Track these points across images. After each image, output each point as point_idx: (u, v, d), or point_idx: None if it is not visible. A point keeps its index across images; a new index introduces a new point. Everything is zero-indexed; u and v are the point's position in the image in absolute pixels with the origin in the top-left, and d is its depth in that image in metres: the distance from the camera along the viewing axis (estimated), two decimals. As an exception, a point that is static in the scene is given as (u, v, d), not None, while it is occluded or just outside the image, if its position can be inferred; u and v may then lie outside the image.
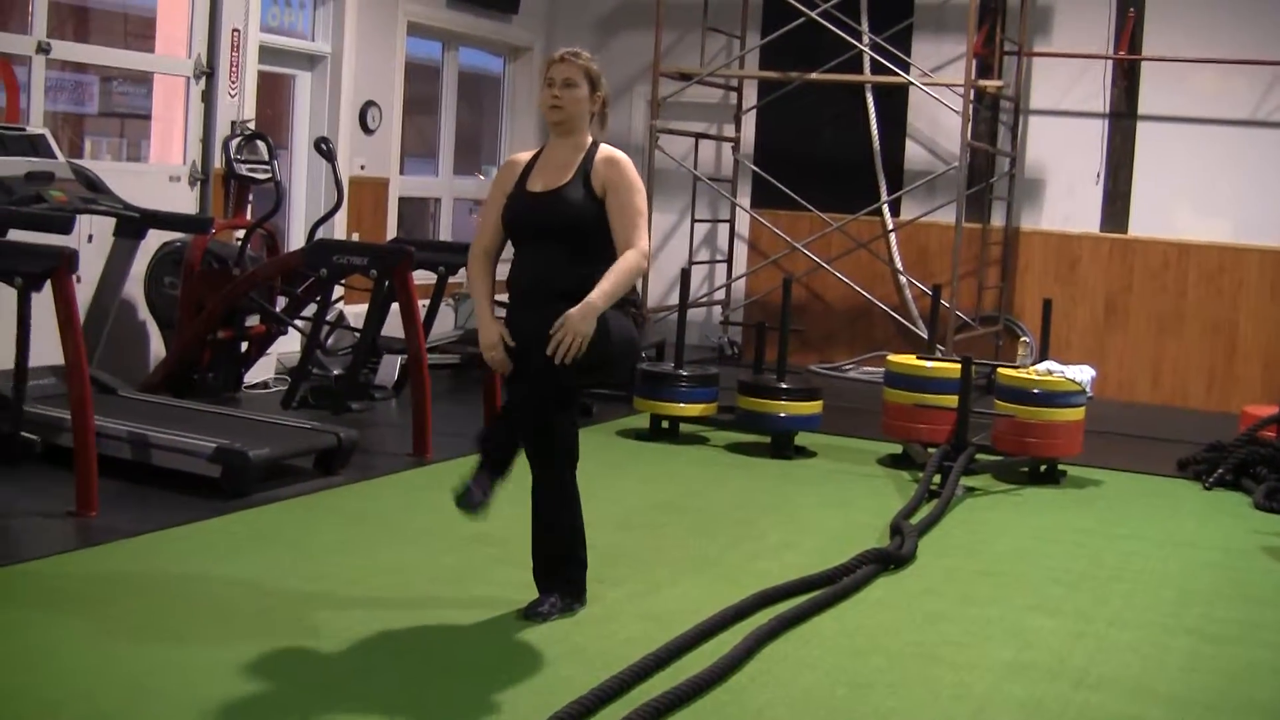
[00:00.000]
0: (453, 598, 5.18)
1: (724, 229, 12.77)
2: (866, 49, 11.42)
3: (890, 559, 5.86)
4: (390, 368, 9.32)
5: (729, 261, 12.68)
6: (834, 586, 5.42)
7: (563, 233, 4.74)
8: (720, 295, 12.66)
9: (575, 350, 4.47)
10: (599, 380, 5.44)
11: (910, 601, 5.44)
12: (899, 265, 11.79)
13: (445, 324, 10.63)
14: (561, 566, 4.98)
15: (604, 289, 4.59)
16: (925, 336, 9.72)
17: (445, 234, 12.31)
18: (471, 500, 4.62)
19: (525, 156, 4.98)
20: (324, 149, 8.71)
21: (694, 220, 12.52)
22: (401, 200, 11.48)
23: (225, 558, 5.55)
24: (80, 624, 4.65)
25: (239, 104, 9.35)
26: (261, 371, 9.24)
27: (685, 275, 8.81)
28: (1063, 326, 10.98)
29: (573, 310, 4.51)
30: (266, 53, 9.76)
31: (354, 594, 5.15)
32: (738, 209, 12.44)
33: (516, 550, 5.29)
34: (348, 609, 4.97)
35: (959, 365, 7.67)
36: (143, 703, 4.01)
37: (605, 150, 4.85)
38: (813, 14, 10.96)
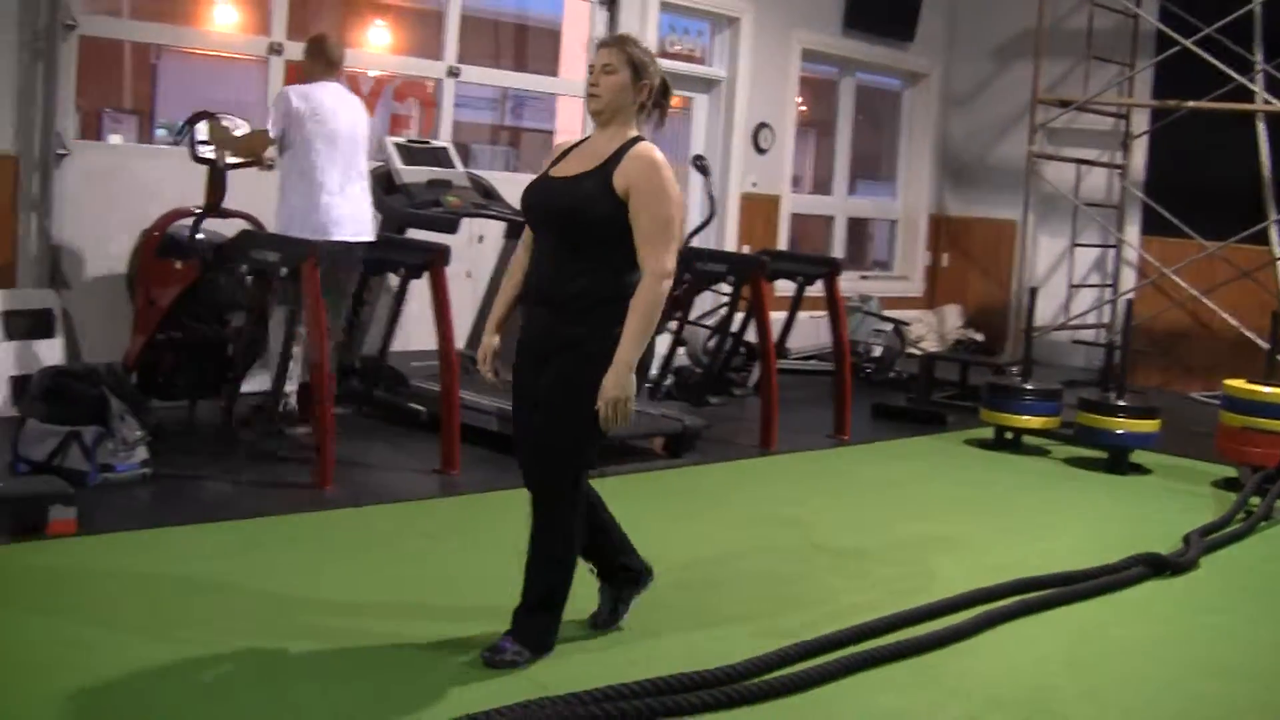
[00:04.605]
0: (736, 549, 5.83)
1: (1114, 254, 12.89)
2: (1259, 76, 11.32)
3: (1166, 565, 5.96)
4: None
5: (1115, 286, 12.79)
6: (1091, 582, 5.63)
7: (562, 224, 4.25)
8: (1096, 319, 12.78)
9: (625, 413, 4.17)
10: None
11: (1169, 607, 5.54)
12: (1283, 297, 11.61)
13: (824, 334, 11.17)
14: (533, 612, 4.43)
15: (628, 339, 4.14)
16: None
17: (839, 251, 12.91)
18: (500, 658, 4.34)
19: (571, 141, 4.54)
20: (700, 165, 9.50)
21: (1073, 244, 12.73)
22: (802, 218, 12.20)
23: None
24: (401, 554, 5.64)
25: (632, 125, 10.21)
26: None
27: (1033, 294, 9.12)
28: None
29: (606, 380, 4.12)
30: (663, 77, 10.57)
31: (650, 554, 5.39)
32: (1122, 233, 12.55)
33: (773, 531, 5.94)
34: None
35: (1290, 390, 7.73)
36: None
37: (641, 147, 4.25)
38: (1190, 44, 11.00)
